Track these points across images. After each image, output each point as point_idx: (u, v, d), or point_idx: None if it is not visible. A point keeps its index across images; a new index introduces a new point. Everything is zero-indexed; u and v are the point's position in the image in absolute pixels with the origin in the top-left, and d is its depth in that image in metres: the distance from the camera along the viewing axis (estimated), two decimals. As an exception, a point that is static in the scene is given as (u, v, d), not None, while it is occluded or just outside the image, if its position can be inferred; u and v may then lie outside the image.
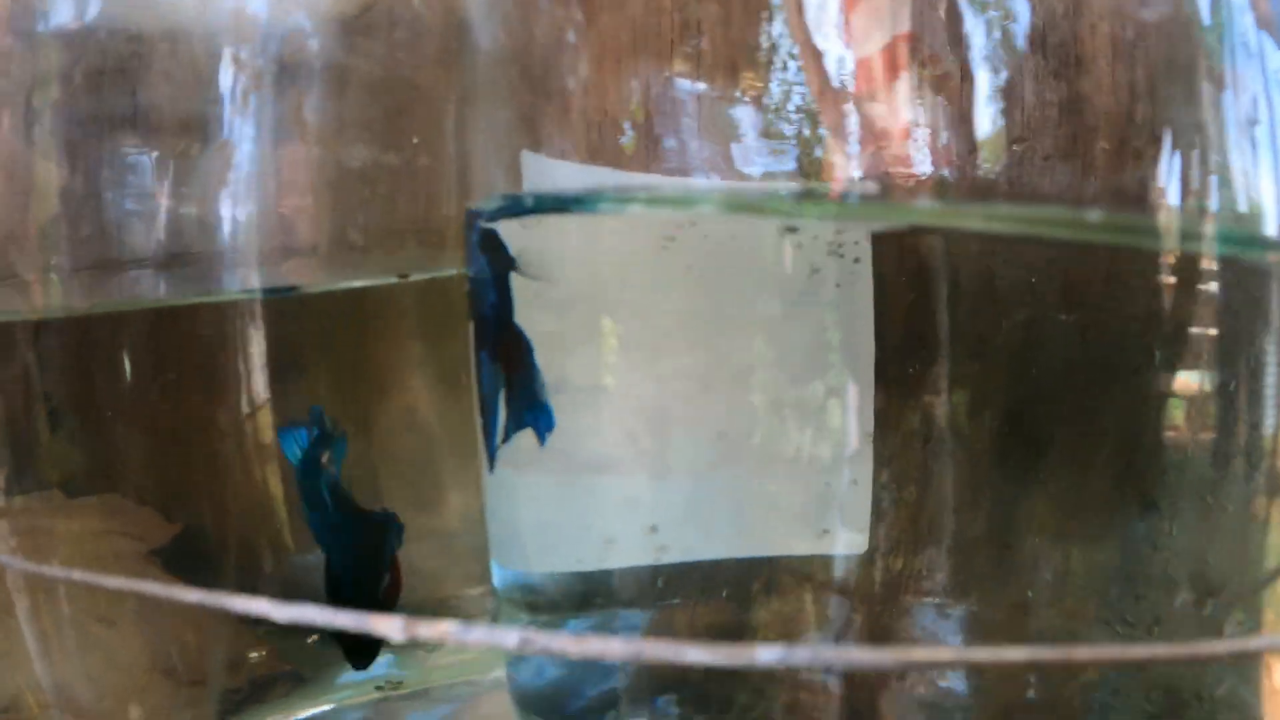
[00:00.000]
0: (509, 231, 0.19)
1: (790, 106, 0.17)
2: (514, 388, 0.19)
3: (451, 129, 0.20)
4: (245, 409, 0.21)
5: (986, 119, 0.17)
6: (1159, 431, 0.18)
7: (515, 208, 0.19)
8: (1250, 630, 0.17)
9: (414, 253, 0.22)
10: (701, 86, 0.18)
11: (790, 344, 0.19)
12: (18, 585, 0.21)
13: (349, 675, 0.25)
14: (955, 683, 0.18)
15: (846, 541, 0.19)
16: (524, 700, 0.22)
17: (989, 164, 0.17)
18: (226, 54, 0.18)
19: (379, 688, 0.25)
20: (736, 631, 0.20)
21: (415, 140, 0.21)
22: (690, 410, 0.19)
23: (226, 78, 0.18)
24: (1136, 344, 0.18)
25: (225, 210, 0.19)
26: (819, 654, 0.15)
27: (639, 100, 0.18)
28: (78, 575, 0.16)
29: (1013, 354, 0.18)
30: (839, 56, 0.17)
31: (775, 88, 0.17)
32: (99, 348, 0.21)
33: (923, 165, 0.17)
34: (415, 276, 0.21)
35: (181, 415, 0.21)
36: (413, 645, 0.26)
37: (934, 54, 0.16)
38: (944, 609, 0.18)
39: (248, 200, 0.19)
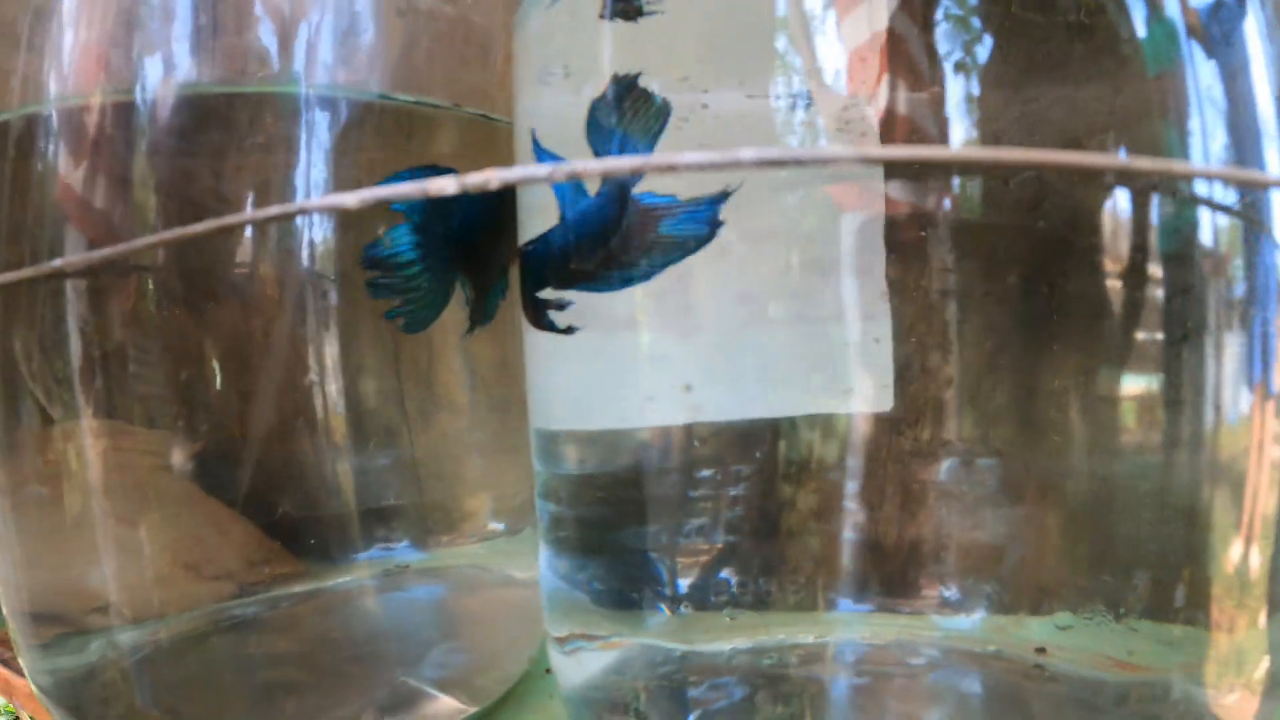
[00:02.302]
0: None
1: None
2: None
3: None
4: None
5: None
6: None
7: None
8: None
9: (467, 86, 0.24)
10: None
11: (802, 211, 0.19)
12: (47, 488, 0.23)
13: (365, 555, 0.26)
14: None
15: (871, 399, 0.19)
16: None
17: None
18: None
19: (388, 571, 0.26)
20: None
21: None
22: (711, 272, 0.20)
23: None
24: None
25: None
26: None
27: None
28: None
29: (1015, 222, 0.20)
30: None
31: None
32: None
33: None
34: (468, 109, 0.24)
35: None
36: (424, 530, 0.27)
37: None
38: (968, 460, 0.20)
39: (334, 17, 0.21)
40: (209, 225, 0.11)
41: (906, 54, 0.18)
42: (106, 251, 0.14)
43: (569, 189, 0.20)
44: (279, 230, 0.21)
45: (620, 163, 0.12)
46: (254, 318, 0.23)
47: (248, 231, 0.22)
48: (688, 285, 0.20)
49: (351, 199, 0.09)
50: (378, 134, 0.23)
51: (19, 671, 0.29)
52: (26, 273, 0.18)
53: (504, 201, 0.23)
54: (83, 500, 0.24)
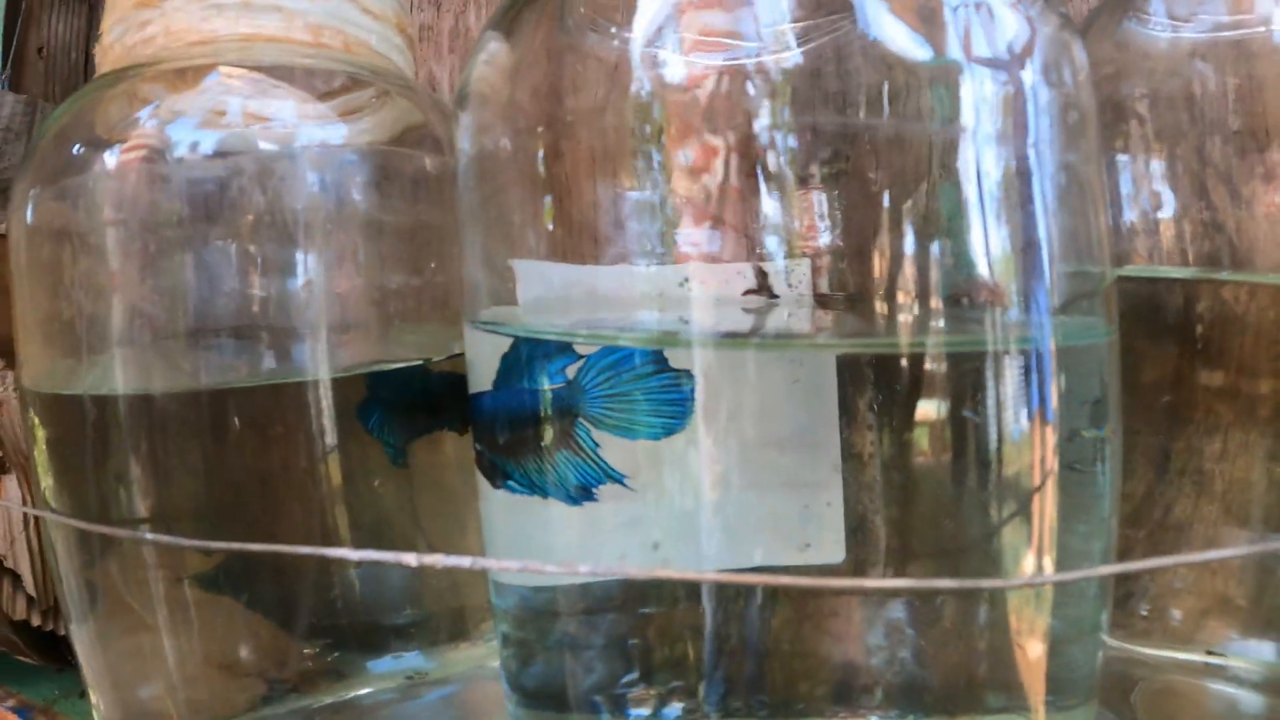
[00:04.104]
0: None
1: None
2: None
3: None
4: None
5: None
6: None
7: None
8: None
9: (435, 338, 0.30)
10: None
11: (765, 397, 0.21)
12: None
13: (382, 666, 0.29)
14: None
15: (825, 552, 0.22)
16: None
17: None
18: (302, 220, 0.27)
19: (409, 678, 0.30)
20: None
21: (433, 264, 0.30)
22: (678, 448, 0.22)
23: (307, 236, 0.27)
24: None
25: (308, 319, 0.27)
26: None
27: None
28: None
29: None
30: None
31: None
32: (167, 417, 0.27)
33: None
34: (436, 358, 0.30)
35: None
36: (437, 640, 0.31)
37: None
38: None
39: (323, 310, 0.27)
40: (262, 547, 0.14)
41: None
42: (186, 542, 0.18)
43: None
44: (297, 401, 0.27)
45: (509, 563, 0.16)
46: (280, 469, 0.27)
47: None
48: (658, 459, 0.22)
49: (354, 555, 0.13)
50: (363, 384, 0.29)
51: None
52: (121, 532, 0.22)
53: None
54: (141, 617, 0.28)
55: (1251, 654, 0.25)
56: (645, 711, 0.23)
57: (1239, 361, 0.26)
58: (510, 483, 0.23)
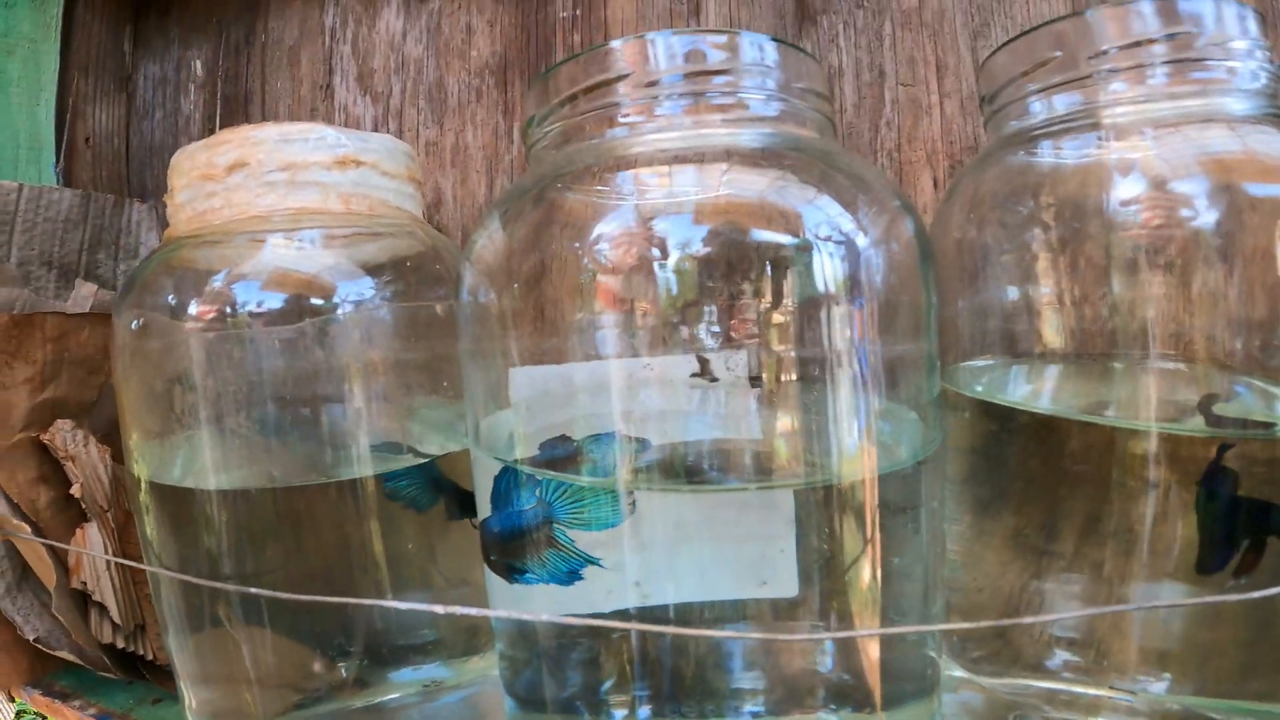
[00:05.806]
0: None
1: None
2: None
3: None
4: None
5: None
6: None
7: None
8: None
9: (450, 440, 0.36)
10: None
11: (724, 469, 0.26)
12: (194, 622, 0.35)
13: (402, 675, 0.35)
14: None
15: (779, 588, 0.26)
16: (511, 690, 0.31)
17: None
18: (349, 367, 0.33)
19: (426, 686, 0.35)
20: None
21: (445, 384, 0.36)
22: (658, 509, 0.26)
23: (354, 381, 0.33)
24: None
25: (357, 437, 0.33)
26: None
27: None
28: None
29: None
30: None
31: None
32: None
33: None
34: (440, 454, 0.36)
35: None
36: (454, 654, 0.36)
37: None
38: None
39: (370, 429, 0.33)
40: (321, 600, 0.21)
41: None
42: (259, 591, 0.25)
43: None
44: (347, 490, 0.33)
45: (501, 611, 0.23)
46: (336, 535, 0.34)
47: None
48: (640, 519, 0.26)
49: (440, 609, 0.20)
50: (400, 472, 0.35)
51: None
52: (210, 583, 0.29)
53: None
54: (223, 634, 0.34)
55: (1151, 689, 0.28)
56: (618, 714, 0.27)
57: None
58: (522, 578, 0.28)
